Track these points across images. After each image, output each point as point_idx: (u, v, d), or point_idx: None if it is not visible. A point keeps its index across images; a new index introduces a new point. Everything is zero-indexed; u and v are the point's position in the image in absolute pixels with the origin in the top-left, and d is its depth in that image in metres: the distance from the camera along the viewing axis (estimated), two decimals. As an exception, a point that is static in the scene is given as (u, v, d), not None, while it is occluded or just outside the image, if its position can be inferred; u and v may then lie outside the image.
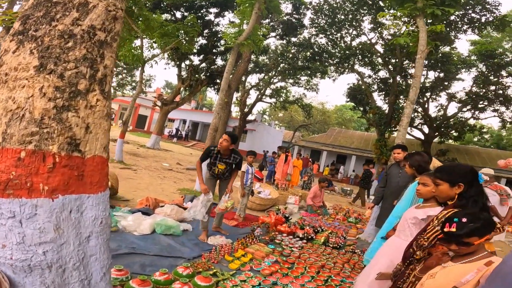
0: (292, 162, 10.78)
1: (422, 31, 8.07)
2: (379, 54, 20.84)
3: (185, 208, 5.13)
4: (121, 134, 10.56)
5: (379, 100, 25.07)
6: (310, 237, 4.77)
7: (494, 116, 21.44)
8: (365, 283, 2.75)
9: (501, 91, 19.62)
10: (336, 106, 45.93)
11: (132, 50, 12.33)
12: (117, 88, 30.94)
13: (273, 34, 22.66)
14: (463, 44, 73.72)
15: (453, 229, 1.54)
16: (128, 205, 4.99)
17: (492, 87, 19.75)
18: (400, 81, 20.24)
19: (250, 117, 29.34)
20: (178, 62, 20.61)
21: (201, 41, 20.43)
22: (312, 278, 3.42)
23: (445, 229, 1.57)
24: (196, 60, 21.07)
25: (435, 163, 3.77)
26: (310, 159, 16.28)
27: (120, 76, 30.84)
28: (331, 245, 4.69)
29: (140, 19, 11.96)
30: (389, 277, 2.45)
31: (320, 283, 3.32)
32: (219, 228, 4.56)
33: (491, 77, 19.40)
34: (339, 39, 21.89)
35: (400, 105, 19.67)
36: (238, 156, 4.22)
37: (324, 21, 21.34)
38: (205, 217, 4.00)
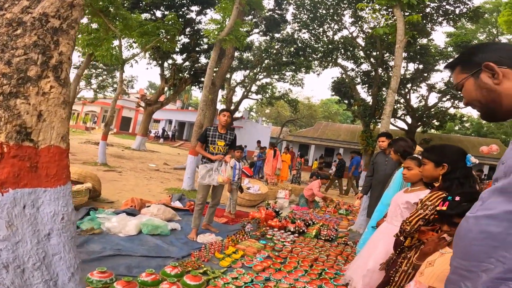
0: (280, 157, 10.73)
1: (399, 21, 8.23)
2: (360, 48, 21.14)
3: (172, 208, 4.99)
4: (103, 136, 10.26)
5: (363, 92, 25.44)
6: (301, 230, 4.71)
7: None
8: (362, 274, 2.68)
9: None
10: (322, 100, 46.20)
11: (110, 50, 11.98)
12: (98, 90, 30.23)
13: (256, 30, 22.63)
14: (440, 36, 75.78)
15: (444, 208, 1.48)
16: (113, 207, 4.81)
17: None
18: (382, 74, 20.59)
19: (236, 115, 29.17)
20: (160, 62, 20.29)
21: (184, 39, 20.16)
22: (306, 272, 3.36)
23: (438, 208, 1.51)
24: (179, 59, 20.80)
25: (418, 149, 3.76)
26: (299, 153, 16.30)
27: (100, 78, 30.16)
28: (323, 238, 4.65)
29: (118, 18, 11.64)
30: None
31: (314, 276, 3.26)
32: (209, 225, 4.44)
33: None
34: (321, 33, 22.16)
35: (383, 96, 19.97)
36: (233, 132, 4.28)
37: (306, 16, 21.50)
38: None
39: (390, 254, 2.11)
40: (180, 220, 4.65)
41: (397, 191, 3.08)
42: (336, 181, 12.17)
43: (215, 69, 16.92)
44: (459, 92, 1.04)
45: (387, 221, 2.71)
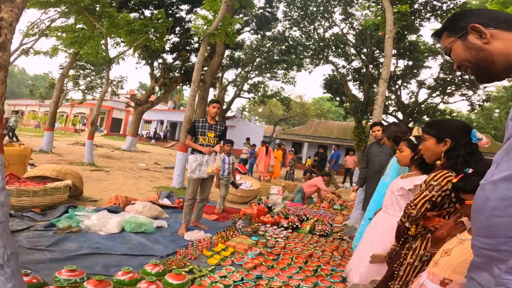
0: (273, 154, 10.54)
1: (388, 12, 8.27)
2: (351, 45, 21.29)
3: (160, 205, 4.75)
4: (90, 135, 9.92)
5: (354, 89, 25.59)
6: (295, 226, 4.50)
7: (463, 100, 22.23)
8: (358, 271, 2.49)
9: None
10: (314, 98, 46.22)
11: (96, 48, 11.64)
12: (86, 91, 29.65)
13: (247, 28, 22.51)
14: (428, 33, 76.57)
15: (455, 180, 1.33)
16: (96, 206, 4.54)
17: (458, 73, 20.42)
18: (373, 70, 20.69)
19: (229, 114, 28.91)
20: (149, 61, 19.95)
21: (174, 39, 19.89)
22: (300, 269, 3.15)
23: (454, 180, 1.34)
24: (169, 58, 20.49)
25: (416, 132, 3.61)
26: (292, 149, 16.27)
27: (88, 79, 29.60)
28: (317, 233, 4.45)
29: (104, 16, 11.33)
30: (383, 259, 2.21)
31: (309, 273, 3.05)
32: (198, 222, 4.21)
33: (457, 64, 20.38)
34: (312, 31, 22.30)
35: (375, 92, 20.02)
36: (223, 123, 4.16)
37: (297, 14, 21.52)
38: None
39: (392, 245, 1.91)
40: (167, 218, 4.41)
41: (394, 178, 2.90)
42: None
43: (205, 68, 16.70)
44: (449, 58, 0.99)
45: (383, 210, 2.52)
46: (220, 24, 9.12)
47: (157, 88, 21.22)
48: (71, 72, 27.63)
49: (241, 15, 20.98)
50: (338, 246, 3.95)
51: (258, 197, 5.55)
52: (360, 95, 21.61)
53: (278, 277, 2.88)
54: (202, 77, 15.16)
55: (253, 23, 22.25)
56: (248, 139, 13.91)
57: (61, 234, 3.23)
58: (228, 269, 2.95)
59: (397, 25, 8.54)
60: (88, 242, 3.12)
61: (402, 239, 1.72)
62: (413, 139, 2.49)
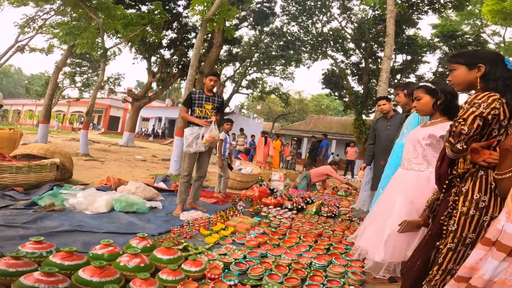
0: (272, 144, 10.24)
1: None
2: (349, 39, 21.25)
3: (155, 188, 4.41)
4: (85, 125, 9.58)
5: (353, 84, 25.45)
6: (300, 206, 4.17)
7: (461, 93, 22.06)
8: (380, 246, 2.12)
9: None
10: (312, 95, 45.94)
11: (92, 39, 11.31)
12: (83, 88, 29.26)
13: (245, 24, 22.29)
14: (426, 28, 77.86)
15: None
16: (85, 188, 4.20)
17: None
18: (372, 66, 20.54)
19: (227, 110, 28.60)
20: (146, 55, 19.63)
21: (171, 34, 19.64)
22: (310, 247, 2.81)
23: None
24: (167, 54, 20.17)
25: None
26: (295, 138, 16.35)
27: (85, 76, 29.22)
28: (324, 215, 4.12)
29: (100, 8, 11.03)
30: (416, 226, 1.85)
31: (321, 252, 2.70)
32: (195, 203, 3.86)
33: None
34: (310, 26, 22.26)
35: (374, 85, 19.86)
36: (221, 95, 3.94)
37: (295, 9, 21.41)
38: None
39: (434, 194, 1.56)
40: (163, 200, 4.07)
41: None
42: (314, 165, 11.93)
43: (203, 64, 16.39)
44: None
45: (404, 167, 2.17)
46: (218, 10, 8.83)
47: (154, 85, 20.92)
48: (67, 69, 27.27)
49: (239, 10, 20.71)
50: (349, 226, 3.62)
51: (260, 178, 5.21)
52: (359, 89, 21.46)
53: (286, 255, 2.55)
54: (200, 68, 14.85)
55: (251, 18, 22.00)
56: (241, 129, 13.57)
57: (42, 212, 2.89)
58: (229, 247, 2.62)
59: (397, 6, 8.50)
60: (70, 221, 2.78)
61: (446, 182, 1.38)
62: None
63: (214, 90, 3.86)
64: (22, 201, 3.22)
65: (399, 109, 4.08)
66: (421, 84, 2.14)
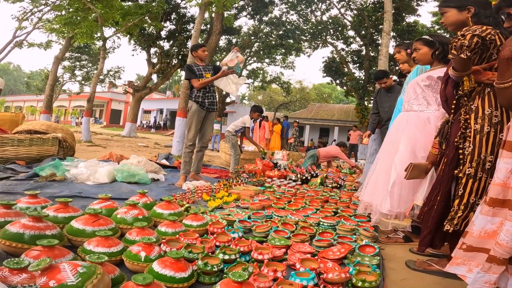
0: (268, 127, 10.14)
1: None
2: (349, 26, 21.12)
3: (158, 163, 4.32)
4: (87, 112, 9.51)
5: (354, 70, 25.26)
6: (304, 178, 4.09)
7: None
8: (386, 196, 2.03)
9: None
10: (314, 85, 45.62)
11: (90, 28, 11.18)
12: (83, 82, 29.17)
13: (244, 13, 22.04)
14: (426, 16, 77.59)
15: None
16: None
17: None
18: (372, 53, 20.37)
19: (228, 100, 28.46)
20: (145, 46, 19.46)
21: (169, 26, 19.48)
22: (317, 210, 2.72)
23: None
24: (166, 45, 20.00)
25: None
26: (297, 120, 16.80)
27: (85, 70, 29.08)
28: (330, 186, 4.03)
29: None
30: (424, 171, 1.76)
31: (329, 214, 2.62)
32: (197, 175, 3.78)
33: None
34: (309, 14, 22.19)
35: (375, 70, 19.73)
36: (209, 63, 4.10)
37: (294, -3, 21.30)
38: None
39: (442, 121, 1.47)
40: (165, 175, 3.99)
41: None
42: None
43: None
44: None
45: (405, 109, 2.12)
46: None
47: (155, 77, 20.83)
48: (67, 63, 27.15)
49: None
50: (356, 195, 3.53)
51: (262, 150, 5.11)
52: (361, 75, 21.30)
53: (293, 215, 2.47)
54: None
55: (249, 8, 21.70)
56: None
57: (42, 182, 2.83)
58: (232, 210, 2.55)
59: None
60: (71, 189, 2.71)
61: (454, 102, 1.29)
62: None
63: None
64: (23, 173, 3.16)
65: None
66: (419, 38, 2.19)
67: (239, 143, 5.02)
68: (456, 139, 1.27)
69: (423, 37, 2.15)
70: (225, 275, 1.32)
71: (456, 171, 1.28)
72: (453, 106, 1.34)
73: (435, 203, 1.40)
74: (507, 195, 1.02)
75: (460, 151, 1.26)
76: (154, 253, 1.30)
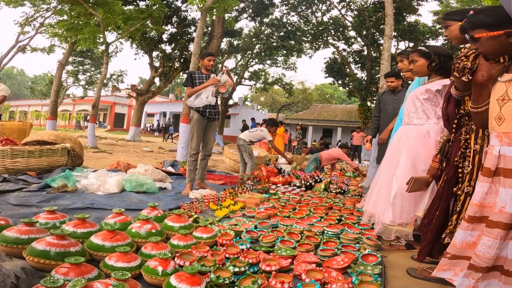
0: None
1: None
2: (350, 27, 21.19)
3: (164, 171, 4.43)
4: (92, 118, 9.65)
5: (356, 70, 25.33)
6: (308, 184, 4.17)
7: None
8: (388, 208, 2.10)
9: None
10: (316, 85, 45.64)
11: (93, 33, 11.32)
12: (87, 86, 29.43)
13: (244, 15, 22.18)
14: (427, 16, 77.19)
15: (460, 23, 1.28)
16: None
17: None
18: (374, 54, 20.38)
19: (231, 102, 28.59)
20: (147, 49, 19.60)
21: (171, 29, 19.65)
22: (321, 218, 2.80)
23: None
24: (168, 49, 20.16)
25: None
26: (300, 123, 16.78)
27: (88, 74, 29.35)
28: (334, 192, 4.11)
29: (99, 4, 11.04)
30: (425, 183, 1.83)
31: (333, 222, 2.69)
32: (203, 183, 3.88)
33: (457, 43, 20.29)
34: (310, 15, 22.28)
35: (377, 71, 19.75)
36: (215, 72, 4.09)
37: (294, -2, 21.42)
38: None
39: (443, 137, 1.55)
40: (172, 182, 4.09)
41: None
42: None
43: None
44: None
45: (405, 122, 2.18)
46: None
47: (157, 80, 20.99)
48: (70, 68, 27.42)
49: (237, 0, 20.57)
50: (359, 200, 3.60)
51: (268, 157, 5.21)
52: (363, 76, 21.34)
53: (298, 224, 2.55)
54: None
55: (250, 10, 21.82)
56: (253, 119, 13.66)
57: (55, 193, 2.93)
58: (239, 220, 2.64)
59: None
60: (83, 200, 2.81)
61: (455, 122, 1.36)
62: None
63: None
64: (34, 184, 3.27)
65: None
66: (415, 49, 2.21)
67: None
68: (456, 158, 1.35)
69: (418, 48, 2.17)
70: (236, 287, 1.41)
71: (455, 189, 1.36)
72: (454, 125, 1.41)
73: (434, 217, 1.48)
74: (483, 213, 1.15)
75: (460, 170, 1.34)
76: (170, 267, 1.40)
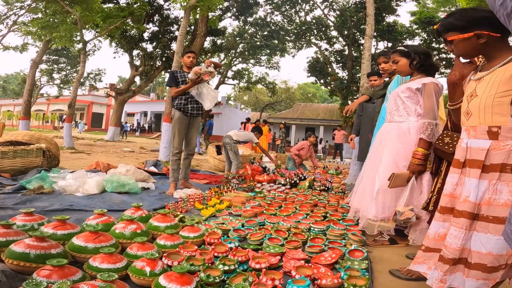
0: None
1: None
2: (332, 27, 21.58)
3: (146, 171, 4.33)
4: (68, 118, 9.32)
5: (338, 70, 25.76)
6: (293, 181, 4.19)
7: (441, 77, 22.51)
8: (371, 203, 2.14)
9: (444, 55, 20.90)
10: (299, 84, 46.06)
11: (70, 31, 10.92)
12: (62, 85, 28.37)
13: (228, 14, 22.07)
14: (405, 16, 79.85)
15: (435, 26, 1.31)
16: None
17: (435, 52, 20.91)
18: (355, 54, 20.84)
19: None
20: (127, 48, 19.11)
21: (152, 28, 19.24)
22: (307, 215, 2.82)
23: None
24: (149, 47, 19.74)
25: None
26: (283, 122, 16.91)
27: (63, 73, 28.31)
28: (318, 189, 4.15)
29: (76, 2, 10.66)
30: (406, 179, 1.90)
31: (318, 219, 2.71)
32: (187, 182, 3.81)
33: (433, 44, 20.85)
34: (293, 15, 22.54)
35: (357, 71, 20.18)
36: None
37: (278, -2, 21.57)
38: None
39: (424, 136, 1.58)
40: (155, 183, 4.00)
41: None
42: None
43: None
44: None
45: (387, 120, 2.23)
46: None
47: (138, 79, 20.54)
48: (44, 66, 26.36)
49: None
50: (343, 198, 3.65)
51: (252, 157, 5.21)
52: (344, 75, 21.77)
53: (284, 221, 2.55)
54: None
55: (234, 8, 21.75)
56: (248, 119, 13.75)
57: (31, 195, 2.80)
58: (226, 218, 2.61)
59: None
60: (61, 202, 2.70)
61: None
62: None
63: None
64: (9, 186, 3.12)
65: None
66: (395, 49, 2.27)
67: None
68: (438, 141, 1.45)
69: (398, 48, 2.22)
70: (227, 286, 1.39)
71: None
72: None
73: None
74: (454, 204, 1.21)
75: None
76: (158, 267, 1.36)
